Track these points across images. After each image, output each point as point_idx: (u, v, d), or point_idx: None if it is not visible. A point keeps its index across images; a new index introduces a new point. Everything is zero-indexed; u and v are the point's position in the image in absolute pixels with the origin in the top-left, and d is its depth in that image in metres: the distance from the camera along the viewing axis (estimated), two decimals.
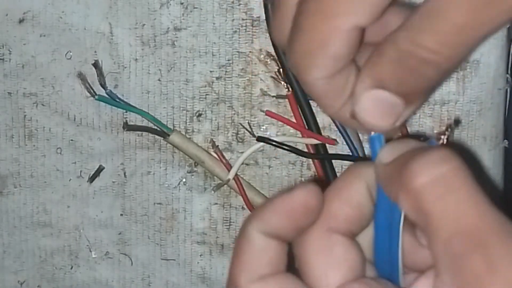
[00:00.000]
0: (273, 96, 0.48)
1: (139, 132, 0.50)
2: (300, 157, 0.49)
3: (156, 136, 0.49)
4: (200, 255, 0.51)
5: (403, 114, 0.32)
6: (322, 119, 0.48)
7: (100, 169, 0.51)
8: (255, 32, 0.47)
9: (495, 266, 0.25)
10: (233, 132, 0.49)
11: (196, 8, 0.47)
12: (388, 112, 0.31)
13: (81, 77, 0.49)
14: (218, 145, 0.49)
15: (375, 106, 0.31)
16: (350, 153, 0.47)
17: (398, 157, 0.29)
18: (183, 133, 0.49)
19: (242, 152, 0.49)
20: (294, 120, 0.48)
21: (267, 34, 0.47)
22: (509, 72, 0.47)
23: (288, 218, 0.31)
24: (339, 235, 0.30)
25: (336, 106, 0.33)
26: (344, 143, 0.47)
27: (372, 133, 0.32)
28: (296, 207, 0.31)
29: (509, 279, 0.25)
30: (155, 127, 0.49)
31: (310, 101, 0.47)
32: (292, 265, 0.32)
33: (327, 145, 0.48)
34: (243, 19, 0.47)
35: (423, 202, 0.27)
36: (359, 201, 0.31)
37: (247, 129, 0.49)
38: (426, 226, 0.27)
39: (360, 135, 0.48)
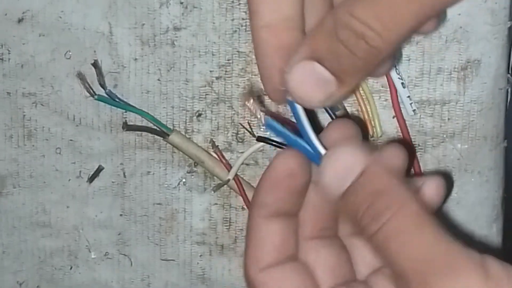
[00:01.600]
0: None
1: (139, 132, 0.50)
2: None
3: (156, 136, 0.49)
4: (200, 256, 0.51)
5: (335, 94, 0.32)
6: (322, 119, 0.48)
7: (99, 169, 0.51)
8: None
9: None
10: (233, 132, 0.49)
11: (196, 7, 0.47)
12: (319, 87, 0.31)
13: (81, 77, 0.48)
14: (218, 145, 0.49)
15: (306, 78, 0.31)
16: None
17: (347, 197, 0.30)
18: (183, 133, 0.49)
19: (242, 152, 0.49)
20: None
21: None
22: (510, 72, 0.47)
23: (278, 190, 0.32)
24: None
25: (275, 69, 0.33)
26: None
27: (289, 97, 0.33)
28: (280, 177, 0.32)
29: None
30: (155, 127, 0.49)
31: None
32: None
33: None
34: (243, 19, 0.47)
35: (375, 245, 0.29)
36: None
37: (247, 129, 0.49)
38: (388, 263, 0.29)
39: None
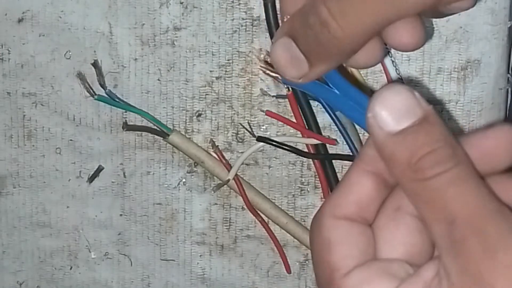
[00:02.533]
0: (273, 96, 0.48)
1: (139, 132, 0.50)
2: (300, 157, 0.49)
3: (156, 136, 0.49)
4: (200, 256, 0.51)
5: (308, 75, 0.34)
6: (322, 119, 0.48)
7: (99, 169, 0.50)
8: (255, 31, 0.47)
9: (492, 251, 0.26)
10: (233, 132, 0.49)
11: (196, 7, 0.47)
12: (293, 65, 0.34)
13: (81, 77, 0.48)
14: (218, 145, 0.49)
15: (283, 53, 0.34)
16: (350, 153, 0.47)
17: (405, 136, 0.28)
18: (183, 133, 0.49)
19: (242, 152, 0.49)
20: (294, 120, 0.48)
21: (267, 34, 0.46)
22: (510, 72, 0.47)
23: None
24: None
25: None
26: (344, 143, 0.47)
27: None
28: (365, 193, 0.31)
29: (506, 263, 0.26)
30: (155, 127, 0.49)
31: (310, 101, 0.47)
32: None
33: (327, 145, 0.48)
34: (243, 19, 0.47)
35: (426, 190, 0.28)
36: None
37: (247, 129, 0.49)
38: (427, 212, 0.28)
39: (360, 135, 0.48)
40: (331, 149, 0.48)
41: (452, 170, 0.27)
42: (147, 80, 0.49)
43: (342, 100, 0.35)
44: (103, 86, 0.48)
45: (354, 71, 0.46)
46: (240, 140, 0.49)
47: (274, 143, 0.48)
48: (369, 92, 0.46)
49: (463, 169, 0.28)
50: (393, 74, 0.46)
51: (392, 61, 0.46)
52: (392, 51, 0.46)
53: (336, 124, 0.47)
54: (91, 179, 0.51)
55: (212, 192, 0.50)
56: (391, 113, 0.28)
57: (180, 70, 0.48)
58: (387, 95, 0.29)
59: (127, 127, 0.49)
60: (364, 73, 0.47)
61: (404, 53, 0.46)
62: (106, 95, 0.48)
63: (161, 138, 0.49)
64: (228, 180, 0.49)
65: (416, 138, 0.28)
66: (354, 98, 0.35)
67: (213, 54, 0.48)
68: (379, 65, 0.46)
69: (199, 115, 0.49)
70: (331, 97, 0.35)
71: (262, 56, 0.47)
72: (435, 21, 0.46)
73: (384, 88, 0.29)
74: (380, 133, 0.28)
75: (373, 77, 0.47)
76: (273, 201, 0.50)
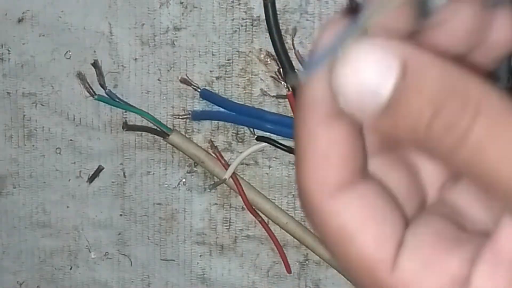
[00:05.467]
0: (273, 96, 0.48)
1: (139, 132, 0.50)
2: None
3: (156, 136, 0.49)
4: (200, 256, 0.51)
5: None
6: None
7: (99, 169, 0.50)
8: (255, 31, 0.47)
9: None
10: (233, 132, 0.49)
11: (196, 7, 0.47)
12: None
13: (81, 76, 0.48)
14: (217, 146, 0.49)
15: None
16: None
17: (395, 110, 0.20)
18: (183, 133, 0.49)
19: (242, 152, 0.49)
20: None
21: (267, 34, 0.46)
22: (510, 72, 0.47)
23: None
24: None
25: None
26: None
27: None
28: None
29: None
30: (155, 127, 0.49)
31: None
32: None
33: None
34: (243, 19, 0.47)
35: (477, 167, 0.20)
36: None
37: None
38: (485, 182, 0.21)
39: None
40: None
41: (474, 129, 0.20)
42: (147, 80, 0.49)
43: None
44: (103, 86, 0.48)
45: None
46: (240, 140, 0.49)
47: (274, 143, 0.48)
48: None
49: (488, 116, 0.20)
50: None
51: None
52: None
53: None
54: (91, 179, 0.51)
55: (209, 190, 0.50)
56: (360, 92, 0.20)
57: (180, 70, 0.48)
58: (345, 71, 0.20)
59: (127, 127, 0.49)
60: None
61: None
62: (106, 95, 0.48)
63: (161, 138, 0.49)
64: (225, 179, 0.48)
65: (408, 105, 0.20)
66: None
67: (213, 54, 0.48)
68: None
69: None
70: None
71: (261, 56, 0.47)
72: None
73: (339, 60, 0.20)
74: (366, 116, 0.21)
75: None
76: (273, 201, 0.50)
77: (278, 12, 0.46)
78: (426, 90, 0.20)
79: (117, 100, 0.48)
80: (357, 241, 0.22)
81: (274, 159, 0.49)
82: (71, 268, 0.53)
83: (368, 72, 0.20)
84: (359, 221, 0.22)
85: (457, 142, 0.20)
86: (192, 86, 0.48)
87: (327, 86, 0.21)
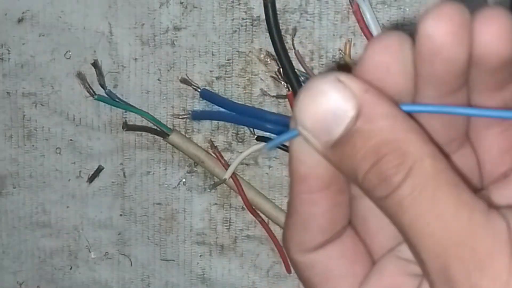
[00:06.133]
0: (273, 96, 0.48)
1: (139, 132, 0.50)
2: None
3: (156, 136, 0.49)
4: (200, 256, 0.51)
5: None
6: None
7: (99, 169, 0.50)
8: (255, 31, 0.47)
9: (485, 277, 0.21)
10: (233, 132, 0.49)
11: (196, 7, 0.47)
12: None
13: (81, 76, 0.48)
14: (217, 146, 0.49)
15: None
16: None
17: (343, 147, 0.22)
18: (183, 133, 0.49)
19: (242, 152, 0.49)
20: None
21: (267, 34, 0.46)
22: None
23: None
24: None
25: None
26: None
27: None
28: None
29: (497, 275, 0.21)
30: (155, 127, 0.49)
31: None
32: None
33: None
34: (243, 19, 0.47)
35: (387, 211, 0.22)
36: None
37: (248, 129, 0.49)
38: (412, 240, 0.22)
39: None
40: None
41: (402, 186, 0.22)
42: (147, 80, 0.49)
43: None
44: (103, 86, 0.48)
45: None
46: (240, 140, 0.49)
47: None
48: None
49: (417, 178, 0.22)
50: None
51: None
52: None
53: None
54: (91, 179, 0.51)
55: (209, 190, 0.50)
56: (317, 122, 0.22)
57: (180, 70, 0.48)
58: (308, 97, 0.22)
59: (127, 127, 0.49)
60: None
61: None
62: (106, 95, 0.48)
63: (161, 138, 0.49)
64: (225, 180, 0.48)
65: (353, 149, 0.22)
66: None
67: (213, 54, 0.48)
68: None
69: None
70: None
71: (261, 56, 0.47)
72: None
73: (304, 88, 0.22)
74: (317, 145, 0.23)
75: None
76: (273, 201, 0.50)
77: (278, 12, 0.46)
78: (372, 140, 0.22)
79: (117, 100, 0.48)
80: None
81: (274, 159, 0.49)
82: (71, 268, 0.53)
83: (324, 111, 0.22)
84: (323, 277, 0.26)
85: (386, 195, 0.22)
86: (192, 86, 0.48)
87: (311, 163, 0.24)
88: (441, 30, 0.22)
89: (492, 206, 0.22)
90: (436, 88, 0.23)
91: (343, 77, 0.22)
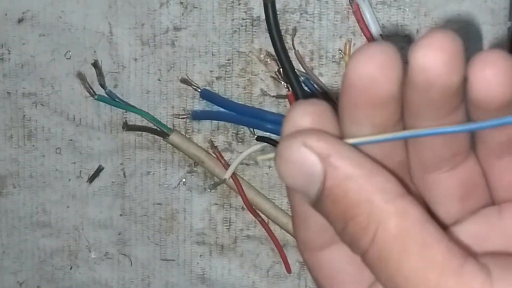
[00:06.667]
0: (273, 96, 0.48)
1: (139, 132, 0.50)
2: None
3: (156, 136, 0.49)
4: (200, 256, 0.51)
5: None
6: None
7: (99, 169, 0.50)
8: (255, 31, 0.47)
9: None
10: (233, 132, 0.49)
11: (196, 7, 0.47)
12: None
13: (81, 76, 0.48)
14: (217, 146, 0.49)
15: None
16: None
17: (321, 205, 0.24)
18: (183, 133, 0.49)
19: (242, 152, 0.49)
20: None
21: (267, 34, 0.46)
22: None
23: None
24: None
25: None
26: None
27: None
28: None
29: None
30: (155, 127, 0.49)
31: None
32: None
33: None
34: (243, 19, 0.47)
35: (378, 272, 0.23)
36: None
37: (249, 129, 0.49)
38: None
39: None
40: None
41: (376, 240, 0.22)
42: (147, 80, 0.49)
43: None
44: (103, 86, 0.48)
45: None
46: (240, 140, 0.49)
47: (274, 143, 0.48)
48: None
49: (384, 235, 0.22)
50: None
51: None
52: None
53: None
54: (91, 179, 0.51)
55: (209, 190, 0.50)
56: (296, 180, 0.24)
57: (180, 70, 0.48)
58: (281, 161, 0.24)
59: (127, 127, 0.49)
60: None
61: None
62: (106, 95, 0.48)
63: (161, 138, 0.49)
64: (225, 180, 0.49)
65: (331, 206, 0.23)
66: None
67: (213, 54, 0.48)
68: None
69: None
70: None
71: (261, 56, 0.47)
72: (435, 20, 0.46)
73: (277, 150, 0.24)
74: (306, 199, 0.24)
75: None
76: (273, 201, 0.50)
77: (278, 12, 0.46)
78: (340, 203, 0.23)
79: (117, 100, 0.48)
80: None
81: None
82: (71, 268, 0.53)
83: (298, 174, 0.24)
84: (330, 280, 0.27)
85: (360, 254, 0.23)
86: (192, 86, 0.48)
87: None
88: (434, 61, 0.22)
89: (471, 255, 0.22)
90: (432, 113, 0.23)
91: (309, 139, 0.23)
